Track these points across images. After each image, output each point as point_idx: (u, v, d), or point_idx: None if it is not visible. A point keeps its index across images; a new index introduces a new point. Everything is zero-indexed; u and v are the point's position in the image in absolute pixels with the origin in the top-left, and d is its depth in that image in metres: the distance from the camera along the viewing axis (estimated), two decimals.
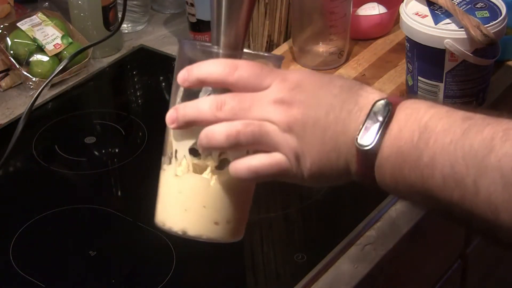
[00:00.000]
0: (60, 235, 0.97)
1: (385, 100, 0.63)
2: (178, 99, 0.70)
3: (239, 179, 0.67)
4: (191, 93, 0.69)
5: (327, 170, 0.66)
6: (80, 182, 1.07)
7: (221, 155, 0.68)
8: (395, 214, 0.97)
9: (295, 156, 0.65)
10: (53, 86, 1.24)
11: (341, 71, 1.18)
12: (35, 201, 1.02)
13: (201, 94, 0.69)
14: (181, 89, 0.69)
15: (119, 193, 1.08)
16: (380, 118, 0.63)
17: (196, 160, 0.69)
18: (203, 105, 0.66)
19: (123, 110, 1.24)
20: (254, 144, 0.65)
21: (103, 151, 1.12)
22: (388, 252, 0.92)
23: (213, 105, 0.66)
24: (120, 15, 1.35)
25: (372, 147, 0.63)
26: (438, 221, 1.02)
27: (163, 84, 1.28)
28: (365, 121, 0.63)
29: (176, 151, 0.71)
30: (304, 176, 0.66)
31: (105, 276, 0.90)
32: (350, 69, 1.18)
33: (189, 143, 0.69)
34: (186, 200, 0.69)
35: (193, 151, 0.69)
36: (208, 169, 0.68)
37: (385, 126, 0.62)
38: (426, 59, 1.05)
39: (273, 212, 0.99)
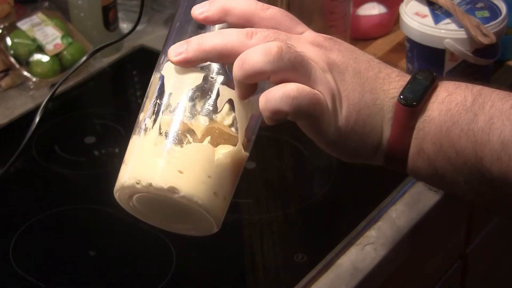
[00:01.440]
0: (60, 235, 0.97)
1: (428, 71, 0.59)
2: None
3: (269, 111, 0.55)
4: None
5: (361, 127, 0.58)
6: (80, 182, 1.07)
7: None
8: (395, 214, 0.97)
9: (332, 97, 0.57)
10: (53, 86, 1.24)
11: None
12: (35, 201, 1.02)
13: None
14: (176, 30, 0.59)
15: None
16: (426, 82, 0.58)
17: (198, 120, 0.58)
18: (228, 32, 0.56)
19: (123, 110, 1.24)
20: (294, 71, 0.55)
21: (103, 151, 1.12)
22: (388, 252, 0.92)
23: (241, 33, 0.55)
24: (120, 15, 1.35)
25: (417, 104, 0.57)
26: (438, 221, 1.02)
27: None
28: (409, 82, 0.58)
29: (170, 94, 0.59)
30: (338, 124, 0.58)
31: (105, 276, 0.90)
32: None
33: (190, 85, 0.58)
34: (182, 162, 0.58)
35: (191, 97, 0.59)
36: (208, 138, 0.58)
37: (431, 89, 0.58)
38: (426, 59, 1.05)
39: (273, 212, 0.99)
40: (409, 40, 1.07)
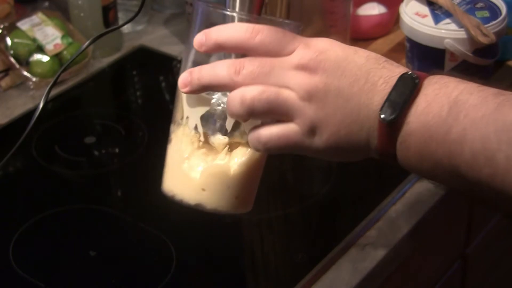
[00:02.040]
0: (60, 235, 0.97)
1: (412, 73, 0.61)
2: (190, 64, 0.67)
3: (251, 144, 0.65)
4: (203, 60, 0.66)
5: (345, 144, 0.63)
6: (80, 182, 1.07)
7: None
8: (395, 214, 0.97)
9: (310, 127, 0.62)
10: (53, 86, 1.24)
11: None
12: (35, 201, 1.02)
13: (212, 59, 0.66)
14: (193, 53, 0.66)
15: (119, 193, 1.08)
16: (406, 91, 0.60)
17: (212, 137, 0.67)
18: (220, 68, 0.63)
19: (123, 110, 1.24)
20: (270, 112, 0.62)
21: (103, 151, 1.12)
22: (388, 252, 0.92)
23: (231, 68, 0.62)
24: (120, 15, 1.35)
25: (396, 120, 0.60)
26: (438, 221, 1.02)
27: (163, 84, 1.28)
28: (390, 93, 0.60)
29: (187, 117, 0.68)
30: (318, 149, 0.63)
31: (105, 276, 0.90)
32: None
33: (202, 109, 0.67)
34: (204, 181, 0.68)
35: (205, 119, 0.67)
36: (226, 149, 0.67)
37: (411, 99, 0.60)
38: (426, 59, 1.05)
39: (273, 212, 0.99)
40: (409, 40, 1.07)
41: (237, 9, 0.66)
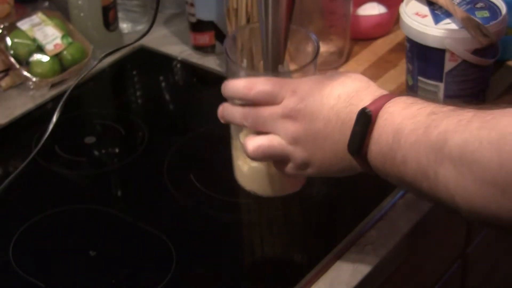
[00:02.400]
0: (60, 235, 0.97)
1: (366, 110, 0.72)
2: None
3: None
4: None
5: (334, 170, 0.79)
6: (80, 182, 1.07)
7: None
8: (395, 214, 0.97)
9: (301, 164, 0.79)
10: (53, 86, 1.24)
11: (341, 71, 1.18)
12: (35, 201, 1.02)
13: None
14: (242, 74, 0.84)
15: (119, 193, 1.08)
16: (362, 128, 0.72)
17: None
18: (235, 113, 0.81)
19: (123, 110, 1.24)
20: (269, 158, 0.82)
21: (103, 151, 1.12)
22: (388, 252, 0.92)
23: (241, 116, 0.81)
24: (120, 15, 1.35)
25: (360, 151, 0.73)
26: (438, 221, 1.02)
27: (163, 84, 1.29)
28: (352, 129, 0.73)
29: (233, 137, 0.90)
30: (313, 175, 0.81)
31: (105, 276, 0.90)
32: (350, 69, 1.18)
33: (239, 130, 0.87)
34: (253, 177, 0.90)
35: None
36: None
37: (368, 132, 0.72)
38: (426, 59, 1.05)
39: (273, 212, 0.99)
40: (409, 40, 1.07)
41: (270, 15, 0.81)
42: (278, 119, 0.78)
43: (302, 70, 0.84)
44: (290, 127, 0.77)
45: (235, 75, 0.84)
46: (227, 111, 0.83)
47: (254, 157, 0.81)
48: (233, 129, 0.89)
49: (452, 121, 0.66)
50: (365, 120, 0.72)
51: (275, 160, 0.82)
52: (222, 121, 0.84)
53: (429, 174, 0.67)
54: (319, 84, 0.77)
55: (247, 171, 0.91)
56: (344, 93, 0.75)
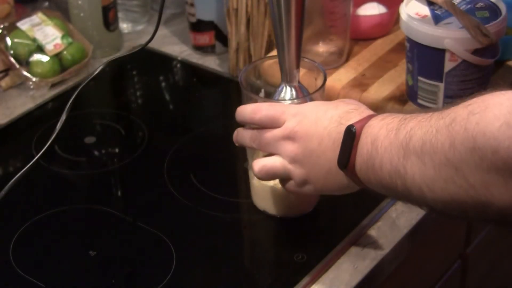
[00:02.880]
0: (60, 235, 0.97)
1: (352, 127, 0.78)
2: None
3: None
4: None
5: (332, 187, 0.85)
6: (80, 182, 1.07)
7: None
8: (395, 214, 0.97)
9: (300, 182, 0.85)
10: (53, 86, 1.24)
11: (341, 71, 1.18)
12: (35, 201, 1.02)
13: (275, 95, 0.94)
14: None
15: (119, 193, 1.08)
16: (349, 142, 0.79)
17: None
18: (245, 136, 0.90)
19: (123, 110, 1.24)
20: (273, 177, 0.89)
21: (103, 151, 1.12)
22: (388, 252, 0.92)
23: (250, 138, 0.89)
24: (120, 15, 1.35)
25: (347, 167, 0.79)
26: (438, 221, 1.02)
27: (163, 84, 1.29)
28: (341, 147, 0.80)
29: (248, 161, 0.97)
30: (314, 192, 0.89)
31: (105, 276, 0.90)
32: (350, 69, 1.18)
33: (252, 153, 0.95)
34: (263, 195, 0.96)
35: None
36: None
37: (354, 147, 0.78)
38: (426, 59, 1.05)
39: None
40: (409, 40, 1.07)
41: (283, 14, 0.89)
42: (279, 140, 0.85)
43: (311, 96, 0.92)
44: (289, 147, 0.84)
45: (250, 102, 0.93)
46: (239, 134, 0.91)
47: (260, 177, 0.88)
48: (248, 152, 0.95)
49: (417, 120, 0.73)
50: (351, 136, 0.79)
51: (279, 179, 0.89)
52: (236, 144, 0.92)
53: (400, 171, 0.73)
54: (316, 108, 0.85)
55: (260, 191, 0.96)
56: (336, 114, 0.82)
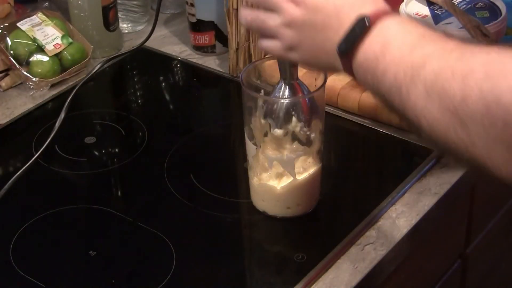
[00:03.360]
0: (60, 235, 0.97)
1: (366, 17, 0.74)
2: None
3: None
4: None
5: (316, 62, 0.82)
6: (80, 182, 1.07)
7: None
8: (395, 214, 0.97)
9: (287, 46, 0.82)
10: (53, 86, 1.24)
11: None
12: (35, 201, 1.02)
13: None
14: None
15: (119, 193, 1.08)
16: (358, 31, 0.74)
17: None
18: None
19: (123, 110, 1.24)
20: (260, 31, 0.84)
21: (103, 151, 1.12)
22: (388, 252, 0.92)
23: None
24: (120, 15, 1.35)
25: (347, 53, 0.75)
26: (438, 221, 1.02)
27: (163, 84, 1.29)
28: (347, 31, 0.75)
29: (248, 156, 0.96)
30: (296, 60, 0.84)
31: (105, 276, 0.90)
32: None
33: (252, 152, 0.94)
34: (263, 195, 0.96)
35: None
36: (274, 177, 0.94)
37: (360, 38, 0.74)
38: None
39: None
40: None
41: None
42: (284, 2, 0.81)
43: (313, 94, 0.91)
44: (290, 10, 0.80)
45: (253, 103, 0.92)
46: (241, 12, 0.87)
47: (246, 21, 0.85)
48: (248, 152, 0.94)
49: (436, 47, 0.70)
50: (361, 26, 0.74)
51: (264, 35, 0.84)
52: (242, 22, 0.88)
53: (402, 91, 0.70)
54: None
55: (260, 191, 0.96)
56: (338, 8, 0.78)
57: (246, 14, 0.85)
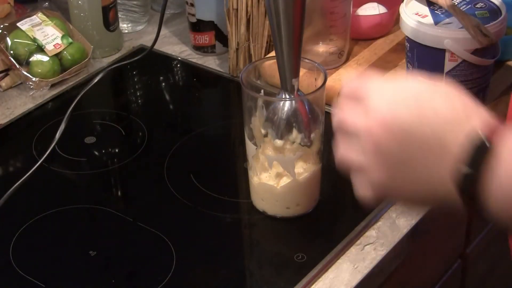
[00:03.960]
0: (60, 235, 0.97)
1: (481, 136, 0.59)
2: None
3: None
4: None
5: (417, 199, 0.66)
6: (80, 182, 1.07)
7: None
8: (395, 214, 0.97)
9: (379, 186, 0.66)
10: (53, 86, 1.24)
11: (341, 71, 1.18)
12: (35, 201, 1.02)
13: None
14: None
15: (119, 193, 1.08)
16: (476, 157, 0.59)
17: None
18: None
19: (123, 110, 1.24)
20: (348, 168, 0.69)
21: (103, 151, 1.12)
22: (388, 252, 0.92)
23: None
24: (120, 15, 1.35)
25: (472, 181, 0.59)
26: (438, 221, 1.02)
27: (163, 84, 1.28)
28: (465, 161, 0.59)
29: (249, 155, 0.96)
30: (388, 199, 0.73)
31: (105, 276, 0.90)
32: (350, 69, 1.18)
33: (251, 152, 0.94)
34: (262, 195, 0.96)
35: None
36: (273, 176, 0.94)
37: (483, 164, 0.59)
38: (426, 59, 1.05)
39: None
40: (409, 40, 1.07)
41: (282, 25, 0.88)
42: (362, 124, 0.65)
43: (312, 95, 0.90)
44: (375, 135, 0.64)
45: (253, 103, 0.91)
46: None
47: (338, 163, 0.69)
48: (248, 152, 0.94)
49: None
50: (480, 147, 0.59)
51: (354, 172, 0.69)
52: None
53: None
54: (417, 93, 0.64)
55: (260, 191, 0.96)
56: (447, 108, 0.61)
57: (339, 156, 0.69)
